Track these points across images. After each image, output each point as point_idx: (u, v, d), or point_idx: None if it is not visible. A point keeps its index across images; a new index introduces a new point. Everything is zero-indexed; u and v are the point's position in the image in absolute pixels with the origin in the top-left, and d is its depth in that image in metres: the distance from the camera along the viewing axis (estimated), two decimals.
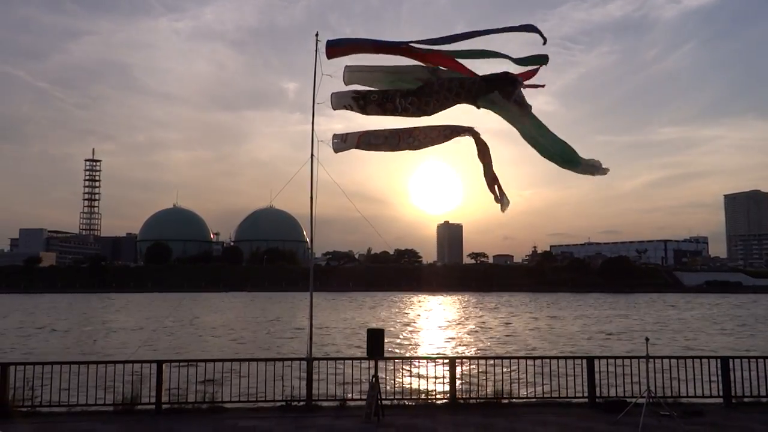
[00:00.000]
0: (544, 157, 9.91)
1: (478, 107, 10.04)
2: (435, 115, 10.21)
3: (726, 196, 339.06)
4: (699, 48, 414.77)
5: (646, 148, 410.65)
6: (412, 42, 10.08)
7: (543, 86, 9.90)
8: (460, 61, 10.08)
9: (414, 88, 10.05)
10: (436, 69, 10.18)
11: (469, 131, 10.35)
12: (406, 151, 10.83)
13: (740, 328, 46.18)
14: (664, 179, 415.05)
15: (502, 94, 9.74)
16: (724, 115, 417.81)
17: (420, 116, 10.15)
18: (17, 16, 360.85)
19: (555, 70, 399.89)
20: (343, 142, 10.75)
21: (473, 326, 46.89)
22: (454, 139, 10.54)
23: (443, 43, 9.91)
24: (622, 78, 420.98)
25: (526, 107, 9.75)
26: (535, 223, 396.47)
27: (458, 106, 10.18)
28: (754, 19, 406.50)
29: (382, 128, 10.79)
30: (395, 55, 10.24)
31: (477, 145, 10.42)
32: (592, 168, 9.70)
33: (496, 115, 10.19)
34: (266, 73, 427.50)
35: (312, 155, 11.38)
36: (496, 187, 10.38)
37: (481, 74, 10.07)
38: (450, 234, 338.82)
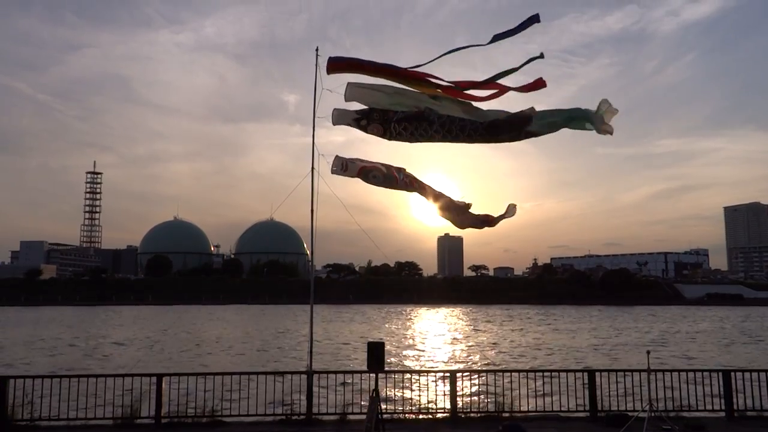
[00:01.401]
0: (560, 128, 9.77)
1: (472, 142, 10.17)
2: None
3: (726, 209, 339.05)
4: (698, 60, 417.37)
5: (646, 160, 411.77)
6: (413, 68, 10.15)
7: (545, 85, 9.77)
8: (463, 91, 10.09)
9: (410, 113, 10.12)
10: (436, 98, 10.24)
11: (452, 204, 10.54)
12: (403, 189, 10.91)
13: (742, 341, 46.02)
14: (665, 191, 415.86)
15: (505, 139, 9.84)
16: (723, 126, 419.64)
17: (411, 142, 10.23)
18: (17, 28, 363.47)
19: (554, 82, 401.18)
20: (343, 170, 10.78)
21: (474, 339, 46.75)
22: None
23: (444, 56, 9.96)
24: (622, 90, 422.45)
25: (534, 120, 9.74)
26: (535, 235, 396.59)
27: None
28: (752, 31, 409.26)
29: (381, 162, 10.87)
30: (395, 80, 10.32)
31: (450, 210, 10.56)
32: (602, 118, 9.37)
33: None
34: (266, 86, 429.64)
35: (312, 168, 11.44)
36: (489, 219, 10.48)
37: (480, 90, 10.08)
38: (450, 246, 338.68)
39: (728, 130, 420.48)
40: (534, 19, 9.19)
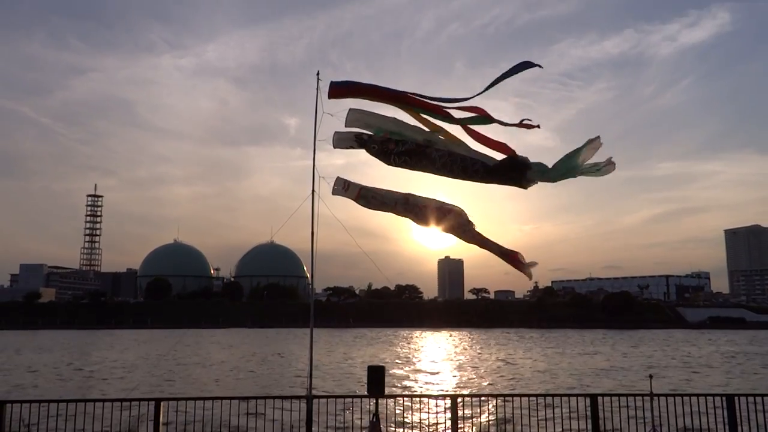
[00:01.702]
0: (555, 179, 9.80)
1: (473, 181, 10.21)
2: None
3: (726, 231, 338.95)
4: (695, 84, 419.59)
5: (646, 183, 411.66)
6: (415, 94, 10.24)
7: (538, 126, 9.87)
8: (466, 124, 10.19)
9: (411, 147, 10.21)
10: (434, 133, 10.33)
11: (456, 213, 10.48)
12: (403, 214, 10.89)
13: (745, 364, 45.67)
14: (665, 214, 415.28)
15: (503, 182, 9.88)
16: (722, 150, 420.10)
17: (411, 170, 10.29)
18: (22, 53, 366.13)
19: (554, 105, 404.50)
20: (344, 190, 10.82)
21: (475, 363, 46.40)
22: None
23: (446, 102, 10.08)
24: (621, 113, 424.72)
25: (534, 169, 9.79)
26: (536, 258, 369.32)
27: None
28: (747, 56, 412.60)
29: (382, 188, 10.89)
30: (397, 105, 10.40)
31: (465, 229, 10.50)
32: (596, 170, 9.44)
33: None
34: (267, 109, 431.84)
35: (313, 191, 11.46)
36: (512, 257, 10.35)
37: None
38: (451, 269, 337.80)
39: (726, 154, 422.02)
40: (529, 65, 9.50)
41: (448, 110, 10.11)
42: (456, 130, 10.25)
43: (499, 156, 9.98)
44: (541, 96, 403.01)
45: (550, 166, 9.57)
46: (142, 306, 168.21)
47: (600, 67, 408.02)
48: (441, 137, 10.29)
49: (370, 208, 10.83)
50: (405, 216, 10.72)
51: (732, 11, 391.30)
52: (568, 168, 9.37)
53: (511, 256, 10.30)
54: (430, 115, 10.28)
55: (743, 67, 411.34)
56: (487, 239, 10.43)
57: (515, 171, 9.68)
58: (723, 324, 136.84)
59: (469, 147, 10.12)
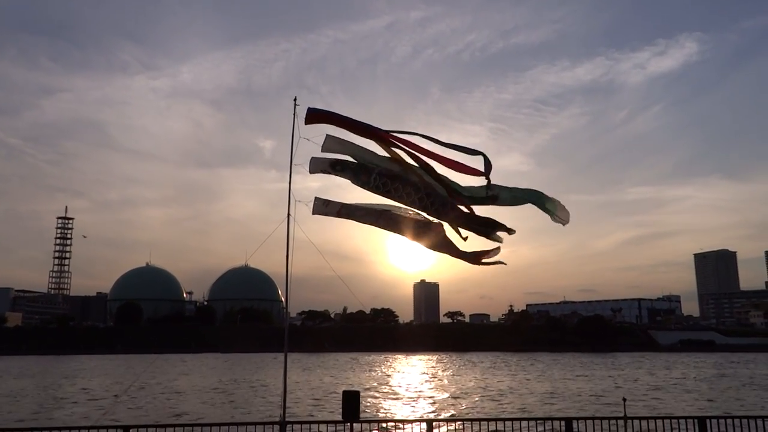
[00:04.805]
0: (521, 203, 10.19)
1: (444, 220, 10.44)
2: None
3: (696, 255, 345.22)
4: (665, 111, 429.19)
5: (619, 207, 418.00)
6: (390, 131, 10.44)
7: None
8: (431, 161, 10.44)
9: (387, 173, 10.41)
10: (406, 171, 10.53)
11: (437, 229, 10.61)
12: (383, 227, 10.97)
13: (716, 387, 46.26)
14: (637, 238, 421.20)
15: (473, 231, 10.15)
16: (691, 175, 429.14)
17: (386, 197, 10.41)
18: None
19: (528, 130, 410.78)
20: (324, 207, 10.84)
21: (450, 387, 46.22)
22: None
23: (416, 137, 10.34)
24: (593, 139, 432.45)
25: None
26: (511, 281, 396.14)
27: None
28: (715, 84, 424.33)
29: (363, 203, 10.96)
30: (371, 139, 10.57)
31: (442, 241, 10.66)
32: (557, 213, 9.99)
33: None
34: (242, 131, 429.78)
35: (288, 214, 11.43)
36: (483, 258, 10.54)
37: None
38: (426, 293, 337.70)
39: (696, 179, 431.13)
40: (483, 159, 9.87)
41: (422, 150, 10.32)
42: (427, 162, 10.45)
43: (471, 180, 10.22)
44: (515, 121, 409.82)
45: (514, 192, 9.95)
46: (112, 331, 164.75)
47: (572, 93, 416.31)
48: (414, 174, 10.49)
49: (353, 219, 10.87)
50: (387, 229, 10.77)
51: (699, 41, 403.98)
52: (534, 197, 9.80)
53: (479, 257, 10.53)
54: (403, 150, 10.47)
55: (710, 94, 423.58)
56: (462, 252, 10.57)
57: (487, 227, 9.96)
58: (693, 347, 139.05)
59: (440, 178, 10.32)
